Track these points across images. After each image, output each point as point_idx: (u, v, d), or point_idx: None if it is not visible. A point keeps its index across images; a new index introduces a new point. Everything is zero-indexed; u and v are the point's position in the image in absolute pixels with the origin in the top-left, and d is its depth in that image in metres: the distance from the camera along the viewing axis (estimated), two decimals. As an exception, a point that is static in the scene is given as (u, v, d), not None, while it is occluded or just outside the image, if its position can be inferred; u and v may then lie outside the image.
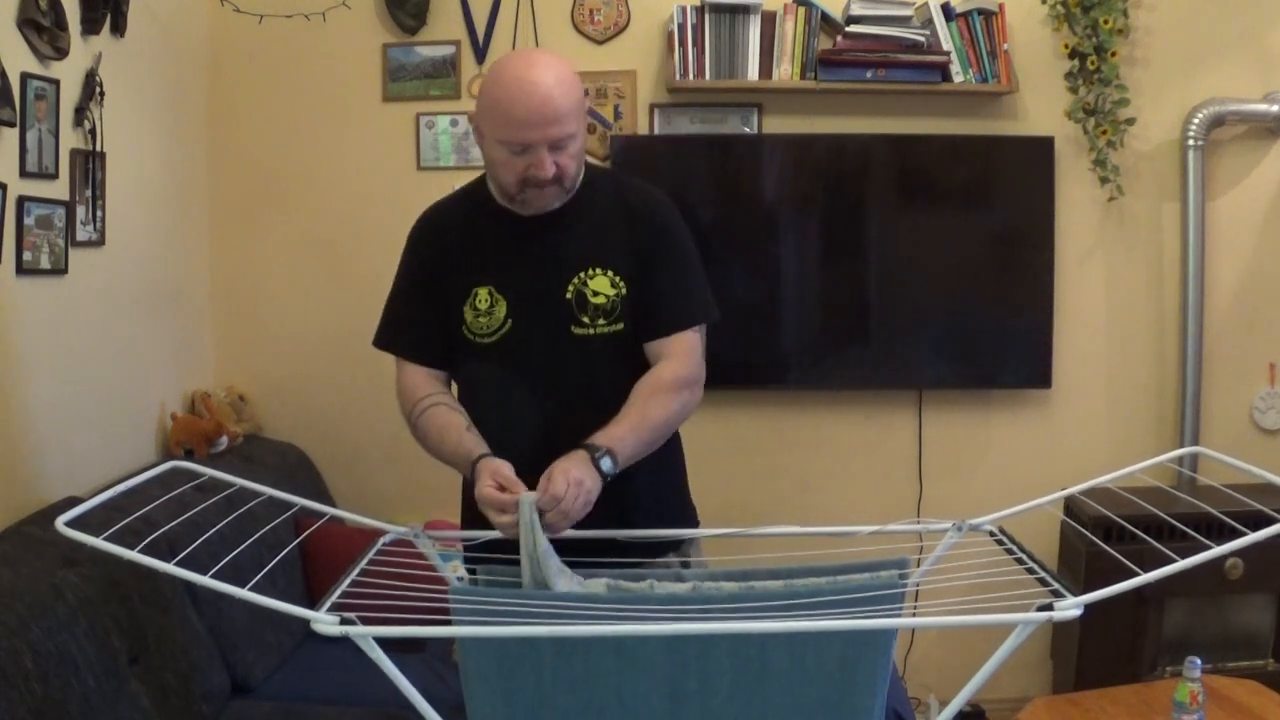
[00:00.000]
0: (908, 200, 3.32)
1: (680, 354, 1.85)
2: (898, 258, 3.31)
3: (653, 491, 1.92)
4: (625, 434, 1.72)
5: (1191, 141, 3.21)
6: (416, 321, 1.91)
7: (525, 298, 1.85)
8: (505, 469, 1.66)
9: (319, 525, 2.38)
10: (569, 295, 1.84)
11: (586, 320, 1.84)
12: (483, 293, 1.86)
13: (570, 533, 1.64)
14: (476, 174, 3.24)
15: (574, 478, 1.61)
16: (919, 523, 1.96)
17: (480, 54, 3.27)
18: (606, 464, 1.66)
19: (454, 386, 1.97)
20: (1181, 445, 3.24)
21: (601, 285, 1.85)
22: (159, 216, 2.99)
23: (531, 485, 1.64)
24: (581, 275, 1.85)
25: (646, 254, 1.86)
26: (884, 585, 1.55)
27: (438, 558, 1.86)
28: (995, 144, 3.29)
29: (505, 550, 1.64)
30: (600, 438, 1.69)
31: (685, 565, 1.90)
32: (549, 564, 1.58)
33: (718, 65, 3.16)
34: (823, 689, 1.49)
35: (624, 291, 1.86)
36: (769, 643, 1.48)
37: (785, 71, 3.18)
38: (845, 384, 3.39)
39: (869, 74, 3.15)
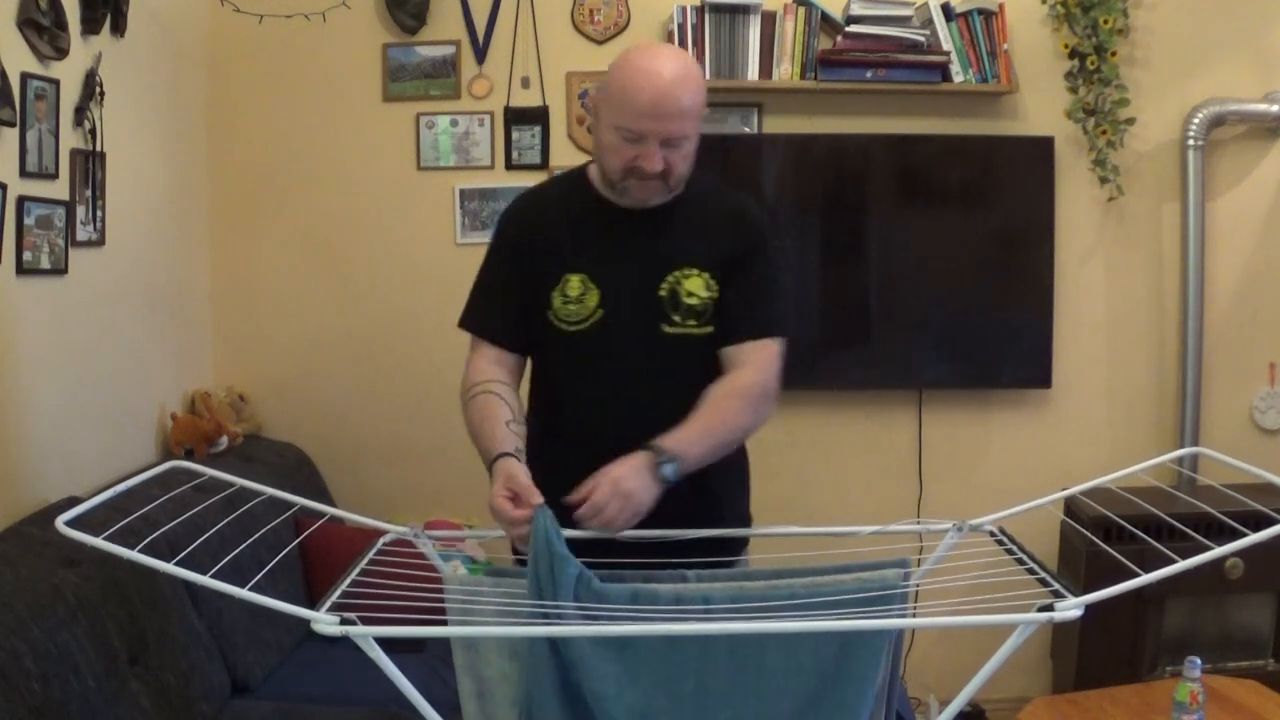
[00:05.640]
0: (908, 200, 3.32)
1: (759, 363, 1.82)
2: (898, 258, 3.31)
3: (718, 508, 1.91)
4: (694, 439, 1.68)
5: (1191, 141, 3.22)
6: (499, 303, 1.90)
7: (618, 290, 1.84)
8: (522, 475, 1.63)
9: (319, 525, 2.38)
10: (663, 293, 1.84)
11: (678, 319, 1.84)
12: (575, 280, 1.84)
13: (574, 533, 1.63)
14: (477, 173, 3.29)
15: (623, 489, 1.58)
16: (919, 523, 1.96)
17: (480, 54, 3.27)
18: (669, 470, 1.63)
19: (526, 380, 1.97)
20: (1181, 445, 3.24)
21: (696, 286, 1.84)
22: (159, 216, 2.99)
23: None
24: (676, 274, 1.84)
25: (736, 258, 1.86)
26: (879, 586, 1.55)
27: (438, 558, 1.86)
28: (995, 144, 3.29)
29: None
30: (669, 441, 1.66)
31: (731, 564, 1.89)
32: (562, 584, 1.52)
33: (718, 65, 3.16)
34: (816, 688, 1.49)
35: (716, 295, 1.85)
36: (767, 642, 1.48)
37: (785, 71, 3.18)
38: (845, 384, 3.39)
39: (869, 74, 3.15)
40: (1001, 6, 3.19)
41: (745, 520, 2.01)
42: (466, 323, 1.93)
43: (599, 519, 1.56)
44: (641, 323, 1.84)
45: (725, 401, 1.76)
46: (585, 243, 1.86)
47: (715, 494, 1.88)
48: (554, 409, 1.89)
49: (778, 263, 1.94)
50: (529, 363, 1.96)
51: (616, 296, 1.84)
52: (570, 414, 1.87)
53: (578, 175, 1.94)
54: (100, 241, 2.63)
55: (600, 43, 3.28)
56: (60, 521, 1.59)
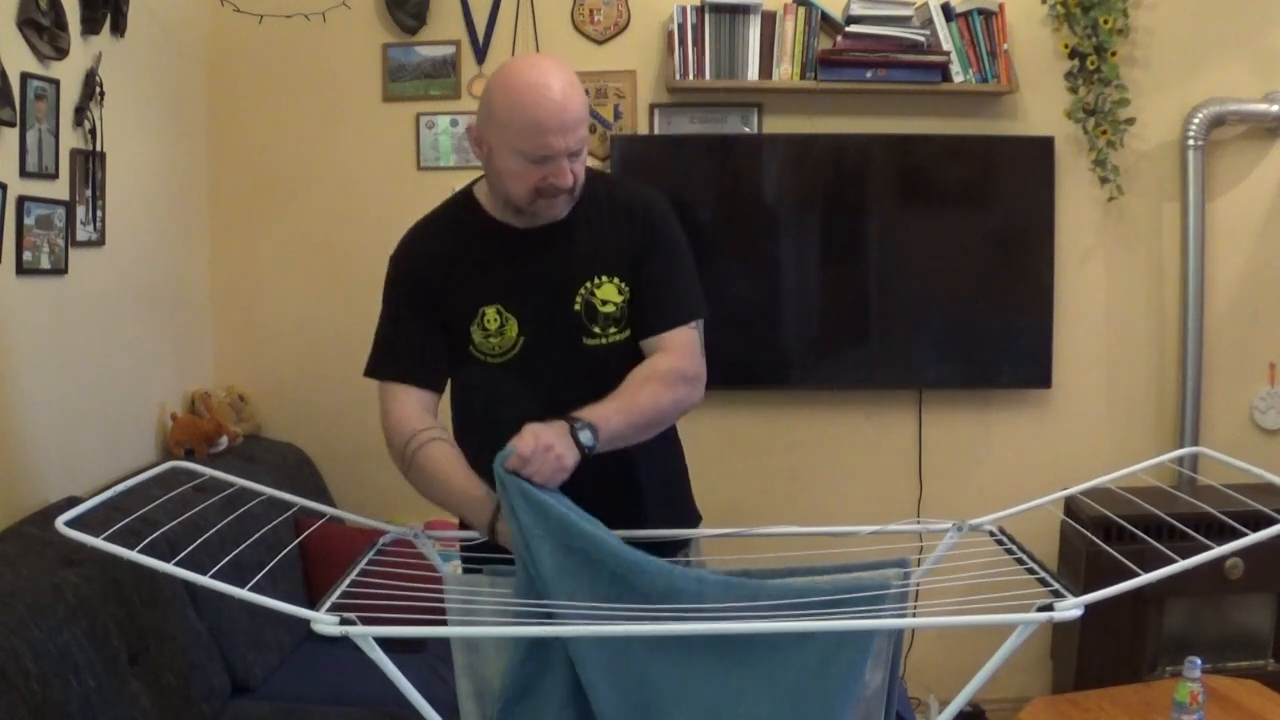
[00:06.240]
0: (908, 200, 3.32)
1: (676, 348, 1.81)
2: (898, 258, 3.31)
3: (657, 494, 1.91)
4: (611, 413, 1.67)
5: (1191, 141, 3.21)
6: (411, 344, 1.84)
7: (535, 314, 1.82)
8: None
9: (319, 525, 2.38)
10: (578, 307, 1.82)
11: (598, 330, 1.82)
12: (490, 312, 1.81)
13: None
14: (477, 174, 3.27)
15: (544, 441, 1.57)
16: (919, 523, 1.96)
17: (480, 54, 3.27)
18: (586, 436, 1.62)
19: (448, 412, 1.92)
20: (1181, 445, 3.24)
21: (609, 293, 1.83)
22: (159, 216, 2.99)
23: None
24: (588, 285, 1.82)
25: (639, 253, 1.84)
26: (871, 586, 1.54)
27: (438, 558, 1.86)
28: (995, 144, 3.29)
29: (504, 550, 1.63)
30: (584, 411, 1.66)
31: (686, 564, 1.90)
32: (533, 538, 1.53)
33: (718, 65, 3.16)
34: (798, 683, 1.49)
35: (629, 296, 1.84)
36: (754, 640, 1.48)
37: (785, 71, 3.18)
38: (845, 384, 3.39)
39: (869, 74, 3.15)
40: (1001, 6, 3.19)
41: (690, 516, 2.01)
42: (381, 371, 1.85)
43: (527, 470, 1.55)
44: (563, 341, 1.82)
45: (644, 384, 1.75)
46: (493, 272, 1.82)
47: (641, 490, 1.87)
48: (485, 437, 1.82)
49: (682, 244, 1.89)
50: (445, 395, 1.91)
51: (535, 321, 1.81)
52: (502, 438, 1.80)
53: (466, 202, 1.88)
54: (100, 241, 2.63)
55: (600, 43, 3.28)
56: (60, 522, 1.59)
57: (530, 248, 1.82)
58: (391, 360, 1.85)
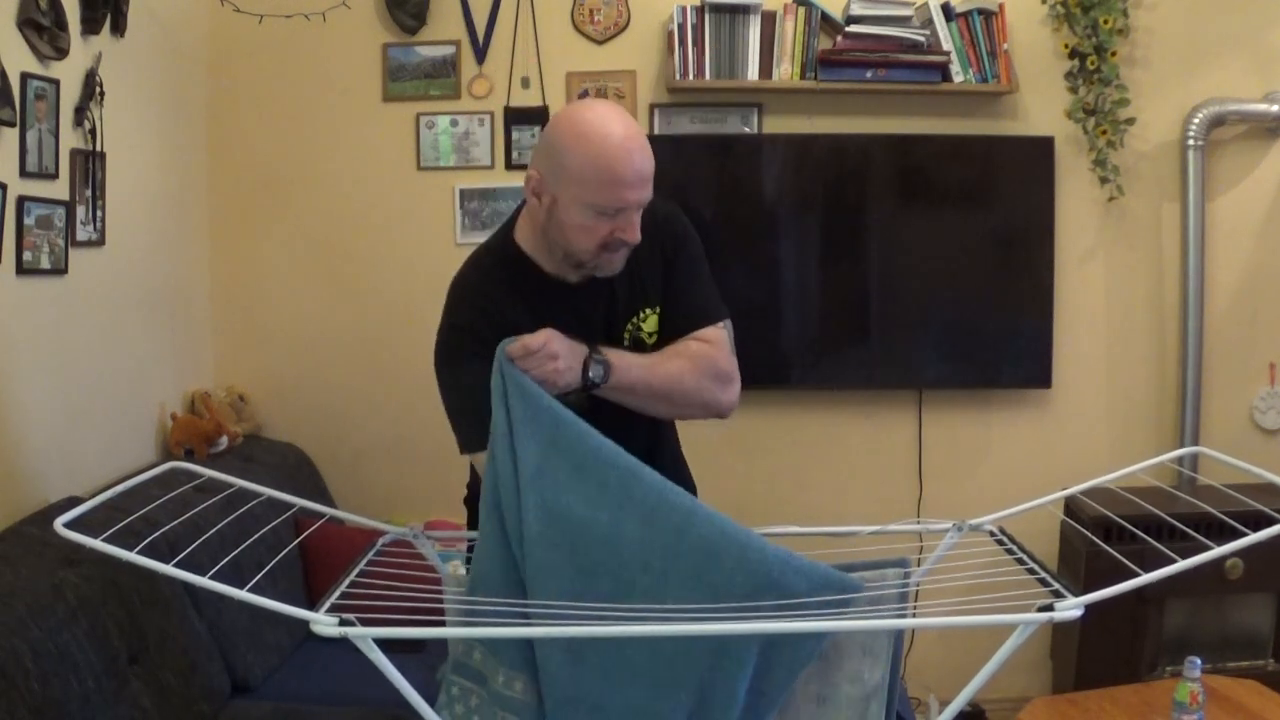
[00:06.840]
0: (908, 200, 3.32)
1: (707, 339, 1.82)
2: (898, 258, 3.31)
3: (669, 464, 1.93)
4: (634, 364, 1.70)
5: (1191, 141, 3.21)
6: None
7: None
8: None
9: (319, 525, 2.38)
10: (626, 343, 1.82)
11: None
12: None
13: None
14: (477, 173, 3.30)
15: (552, 348, 1.59)
16: (919, 523, 1.96)
17: (480, 54, 3.27)
18: (596, 371, 1.64)
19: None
20: (1181, 445, 3.24)
21: (652, 324, 1.84)
22: (159, 216, 2.99)
23: None
24: (634, 321, 1.83)
25: (665, 272, 1.84)
26: (842, 588, 1.54)
27: (437, 558, 1.86)
28: (995, 144, 3.29)
29: None
30: (611, 353, 1.68)
31: None
32: (520, 430, 1.54)
33: (718, 65, 3.16)
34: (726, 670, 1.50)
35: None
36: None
37: (785, 71, 3.18)
38: (845, 384, 3.40)
39: (869, 74, 3.15)
40: (1001, 6, 3.19)
41: (690, 486, 2.03)
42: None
43: (524, 362, 1.57)
44: None
45: (674, 356, 1.77)
46: (561, 330, 1.76)
47: (661, 458, 1.87)
48: None
49: (700, 249, 1.89)
50: None
51: None
52: None
53: (514, 256, 1.80)
54: (100, 241, 2.63)
55: (600, 43, 3.28)
56: (59, 523, 1.59)
57: (585, 298, 1.80)
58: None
